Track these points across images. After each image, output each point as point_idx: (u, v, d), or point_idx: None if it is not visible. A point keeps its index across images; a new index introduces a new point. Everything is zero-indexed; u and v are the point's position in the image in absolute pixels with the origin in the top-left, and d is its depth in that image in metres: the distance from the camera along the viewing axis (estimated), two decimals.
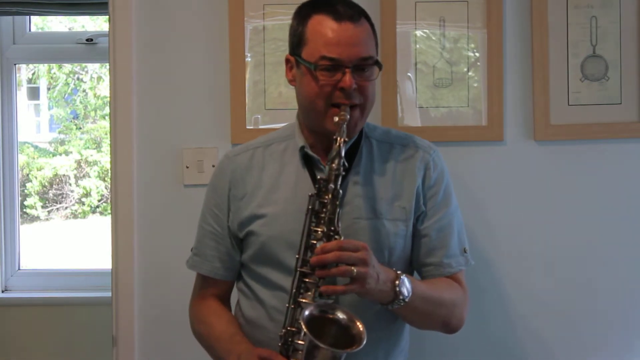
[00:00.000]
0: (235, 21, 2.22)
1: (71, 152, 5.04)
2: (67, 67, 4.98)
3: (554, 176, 2.24)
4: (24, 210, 4.82)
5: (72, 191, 5.02)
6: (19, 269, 3.23)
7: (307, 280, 1.57)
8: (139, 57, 2.26)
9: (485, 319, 2.22)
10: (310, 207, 1.60)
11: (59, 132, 5.20)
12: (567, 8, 2.22)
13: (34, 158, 5.07)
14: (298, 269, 1.58)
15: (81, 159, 5.01)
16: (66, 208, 5.05)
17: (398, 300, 1.59)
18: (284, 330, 1.58)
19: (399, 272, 1.61)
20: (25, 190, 4.88)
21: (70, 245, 4.79)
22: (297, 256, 1.59)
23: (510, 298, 2.25)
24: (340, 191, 1.59)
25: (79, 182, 5.02)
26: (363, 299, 1.60)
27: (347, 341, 1.52)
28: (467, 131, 2.23)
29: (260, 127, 2.23)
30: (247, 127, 2.23)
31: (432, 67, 2.23)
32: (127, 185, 2.27)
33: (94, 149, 4.99)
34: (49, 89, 5.19)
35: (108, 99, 2.42)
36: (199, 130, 2.26)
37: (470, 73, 2.23)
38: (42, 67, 4.94)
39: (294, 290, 1.58)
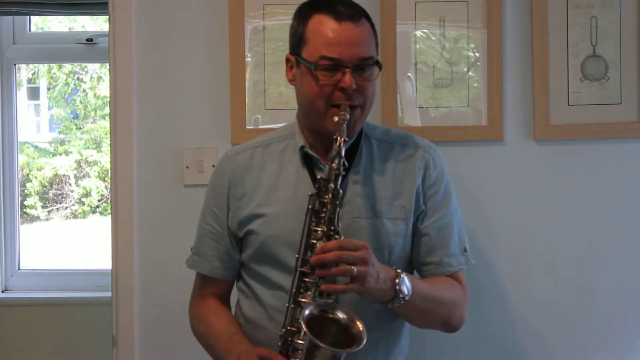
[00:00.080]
0: (235, 21, 2.22)
1: (71, 152, 5.04)
2: (67, 67, 4.98)
3: (554, 176, 2.24)
4: (24, 210, 4.82)
5: (72, 191, 5.02)
6: (19, 269, 3.23)
7: (307, 279, 1.57)
8: (139, 57, 2.26)
9: (485, 319, 2.22)
10: (310, 206, 1.60)
11: (59, 132, 5.20)
12: (567, 8, 2.22)
13: (34, 158, 5.07)
14: (298, 269, 1.58)
15: (81, 159, 5.01)
16: (66, 208, 5.05)
17: (398, 299, 1.59)
18: (284, 330, 1.58)
19: (399, 270, 1.61)
20: (25, 190, 4.88)
21: (70, 245, 4.79)
22: (297, 256, 1.59)
23: (510, 298, 2.25)
24: (341, 191, 1.59)
25: (79, 182, 5.02)
26: (363, 298, 1.61)
27: (347, 341, 1.52)
28: (467, 131, 2.23)
29: (260, 127, 2.23)
30: (247, 127, 2.23)
31: (432, 67, 2.23)
32: (127, 185, 2.27)
33: (94, 149, 4.99)
34: (49, 89, 5.19)
35: (108, 99, 2.42)
36: (199, 130, 2.26)
37: (470, 73, 2.23)
38: (42, 67, 4.94)
39: (293, 290, 1.58)
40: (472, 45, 2.23)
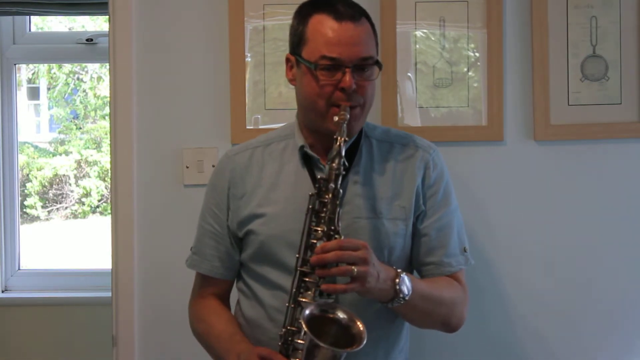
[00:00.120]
0: (235, 21, 2.22)
1: (71, 152, 5.04)
2: (67, 67, 4.98)
3: (554, 176, 2.24)
4: (24, 210, 4.82)
5: (72, 191, 5.02)
6: (19, 269, 3.23)
7: (307, 279, 1.57)
8: (139, 57, 2.26)
9: (485, 319, 2.22)
10: (310, 206, 1.60)
11: (59, 132, 5.20)
12: (567, 8, 2.22)
13: (34, 158, 5.07)
14: (298, 268, 1.58)
15: (81, 159, 5.01)
16: (66, 208, 5.05)
17: (398, 299, 1.59)
18: (284, 330, 1.58)
19: (399, 270, 1.61)
20: (25, 190, 4.88)
21: (70, 245, 4.79)
22: (297, 255, 1.59)
23: (510, 298, 2.25)
24: (341, 190, 1.59)
25: (79, 182, 5.02)
26: (363, 298, 1.61)
27: (347, 340, 1.52)
28: (467, 131, 2.23)
29: (260, 127, 2.23)
30: (247, 127, 2.23)
31: (432, 67, 2.23)
32: (127, 185, 2.27)
33: (94, 149, 4.99)
34: (49, 89, 5.19)
35: (108, 99, 2.42)
36: (199, 130, 2.26)
37: (470, 73, 2.23)
38: (42, 67, 4.94)
39: (294, 290, 1.58)
40: (472, 45, 2.23)
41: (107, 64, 2.39)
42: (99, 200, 4.97)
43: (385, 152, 1.78)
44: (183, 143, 2.26)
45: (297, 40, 1.70)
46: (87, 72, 5.04)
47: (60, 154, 5.08)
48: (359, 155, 1.76)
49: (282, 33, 2.18)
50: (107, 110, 4.58)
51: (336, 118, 1.62)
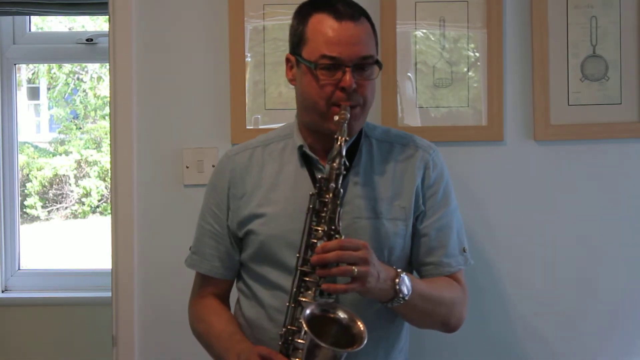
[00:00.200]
0: (235, 21, 2.22)
1: (71, 152, 5.04)
2: (67, 67, 4.99)
3: (554, 176, 2.24)
4: (24, 210, 4.82)
5: (72, 191, 5.02)
6: (19, 269, 3.23)
7: (307, 279, 1.57)
8: (139, 57, 2.26)
9: (485, 319, 2.22)
10: (311, 206, 1.60)
11: (59, 132, 5.20)
12: (567, 8, 2.22)
13: (34, 158, 5.08)
14: (299, 268, 1.58)
15: (81, 159, 5.01)
16: (66, 208, 5.05)
17: (398, 299, 1.59)
18: (284, 329, 1.58)
19: (399, 270, 1.61)
20: (25, 190, 4.89)
21: (70, 245, 4.79)
22: (297, 255, 1.59)
23: (510, 298, 2.25)
24: (342, 190, 1.59)
25: (79, 182, 5.02)
26: (363, 298, 1.61)
27: (347, 340, 1.52)
28: (467, 131, 2.23)
29: (260, 127, 2.23)
30: (247, 127, 2.23)
31: (432, 67, 2.23)
32: (127, 185, 2.27)
33: (94, 149, 4.99)
34: (49, 89, 5.19)
35: (108, 99, 2.42)
36: (199, 130, 2.26)
37: (470, 73, 2.23)
38: (42, 67, 4.95)
39: (294, 290, 1.58)
40: (472, 45, 2.23)
41: (107, 64, 2.39)
42: (99, 200, 4.97)
43: (385, 152, 1.78)
44: (183, 143, 2.26)
45: (297, 40, 1.70)
46: (87, 72, 5.04)
47: (60, 154, 5.08)
48: (359, 155, 1.76)
49: (282, 33, 2.18)
50: (107, 110, 4.59)
51: (336, 117, 1.62)
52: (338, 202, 1.57)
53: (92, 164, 4.99)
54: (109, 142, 2.39)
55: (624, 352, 2.26)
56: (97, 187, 4.96)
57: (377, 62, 1.69)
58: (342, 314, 1.55)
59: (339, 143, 1.58)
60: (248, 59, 2.23)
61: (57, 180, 5.00)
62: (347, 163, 1.60)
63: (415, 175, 1.76)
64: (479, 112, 2.23)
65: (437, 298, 1.70)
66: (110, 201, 2.39)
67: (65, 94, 5.10)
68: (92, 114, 5.07)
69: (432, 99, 2.24)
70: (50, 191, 5.01)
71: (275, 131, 1.86)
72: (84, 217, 5.02)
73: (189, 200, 2.22)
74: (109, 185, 2.38)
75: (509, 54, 2.23)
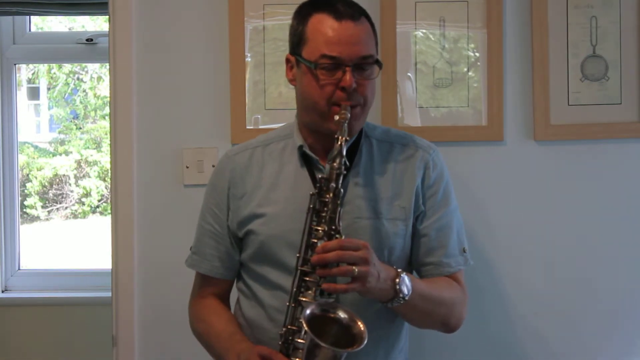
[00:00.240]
0: (235, 21, 2.22)
1: (71, 152, 5.04)
2: (67, 67, 4.99)
3: (554, 176, 2.24)
4: (24, 210, 4.82)
5: (72, 191, 5.02)
6: (19, 269, 3.23)
7: (307, 279, 1.57)
8: (139, 57, 2.26)
9: (485, 319, 2.22)
10: (311, 205, 1.60)
11: (59, 132, 5.20)
12: (567, 8, 2.22)
13: (34, 158, 5.08)
14: (299, 268, 1.58)
15: (81, 159, 5.01)
16: (66, 208, 5.05)
17: (398, 299, 1.59)
18: (284, 329, 1.58)
19: (399, 270, 1.61)
20: (25, 190, 4.89)
21: (70, 245, 4.79)
22: (297, 255, 1.59)
23: (510, 298, 2.25)
24: (342, 190, 1.59)
25: (79, 182, 5.02)
26: (364, 298, 1.61)
27: (348, 340, 1.52)
28: (467, 131, 2.23)
29: (260, 127, 2.23)
30: (247, 127, 2.23)
31: (432, 67, 2.23)
32: (127, 185, 2.27)
33: (94, 149, 4.99)
34: (49, 89, 5.19)
35: (108, 99, 2.42)
36: (199, 130, 2.26)
37: (470, 73, 2.23)
38: (42, 67, 4.95)
39: (294, 289, 1.58)
40: (472, 45, 2.23)
41: (107, 64, 2.39)
42: (99, 200, 4.97)
43: (385, 152, 1.78)
44: (183, 143, 2.26)
45: (297, 40, 1.70)
46: (87, 72, 5.04)
47: (60, 154, 5.08)
48: (359, 155, 1.76)
49: (282, 33, 2.18)
50: (107, 110, 4.59)
51: (337, 117, 1.62)
52: (338, 202, 1.57)
53: (92, 164, 4.99)
54: (109, 142, 2.39)
55: (624, 352, 2.26)
56: (97, 187, 4.96)
57: (377, 62, 1.69)
58: (342, 314, 1.55)
59: (339, 143, 1.58)
60: (248, 59, 2.23)
61: (57, 180, 5.00)
62: (347, 163, 1.60)
63: (415, 175, 1.76)
64: (479, 112, 2.23)
65: (437, 298, 1.70)
66: (110, 201, 2.39)
67: (65, 94, 5.10)
68: (92, 114, 5.07)
69: (432, 99, 2.24)
70: (50, 191, 5.01)
71: (276, 131, 1.86)
72: (84, 217, 5.02)
73: (189, 200, 2.22)
74: (109, 185, 2.38)
75: (509, 54, 2.23)
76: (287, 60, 1.75)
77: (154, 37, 2.26)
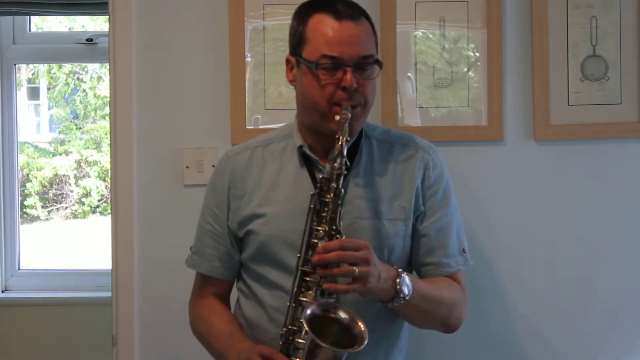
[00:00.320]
0: (235, 21, 2.22)
1: (71, 152, 5.04)
2: (67, 67, 4.99)
3: (554, 176, 2.24)
4: (24, 210, 4.83)
5: (72, 191, 5.02)
6: (19, 269, 3.23)
7: (308, 279, 1.57)
8: (139, 57, 2.26)
9: (485, 319, 2.22)
10: (312, 205, 1.60)
11: (59, 132, 5.20)
12: (567, 8, 2.22)
13: (34, 158, 5.08)
14: (299, 268, 1.58)
15: (81, 159, 5.01)
16: (66, 208, 5.05)
17: (398, 298, 1.59)
18: (285, 329, 1.58)
19: (399, 270, 1.61)
20: (25, 190, 4.89)
21: (70, 245, 4.79)
22: (298, 255, 1.59)
23: (510, 298, 2.25)
24: (342, 190, 1.59)
25: (79, 182, 5.02)
26: (364, 298, 1.61)
27: (348, 340, 1.52)
28: (467, 131, 2.23)
29: (260, 127, 2.23)
30: (247, 127, 2.23)
31: (432, 67, 2.23)
32: (127, 185, 2.27)
33: (94, 149, 4.99)
34: (49, 89, 5.19)
35: (108, 99, 2.42)
36: (199, 130, 2.26)
37: (470, 73, 2.24)
38: (42, 67, 4.95)
39: (295, 289, 1.58)
40: (472, 45, 2.24)
41: (107, 64, 2.39)
42: (99, 200, 4.97)
43: (385, 152, 1.78)
44: (183, 143, 2.26)
45: (297, 41, 1.70)
46: (87, 72, 5.04)
47: (60, 154, 5.08)
48: (359, 155, 1.76)
49: (282, 33, 2.18)
50: (107, 110, 4.59)
51: (337, 117, 1.62)
52: (339, 202, 1.57)
53: (92, 164, 4.99)
54: (109, 142, 2.39)
55: (624, 352, 2.26)
56: (97, 187, 4.96)
57: (378, 62, 1.69)
58: (342, 314, 1.55)
59: (340, 143, 1.58)
60: (248, 59, 2.23)
61: (57, 180, 5.00)
62: (348, 163, 1.61)
63: (415, 175, 1.76)
64: (479, 112, 2.23)
65: (437, 298, 1.70)
66: (110, 201, 2.39)
67: (65, 94, 5.10)
68: (92, 114, 5.07)
69: (432, 99, 2.24)
70: (50, 191, 5.01)
71: (276, 131, 1.86)
72: (84, 217, 5.02)
73: (189, 200, 2.22)
74: (109, 185, 2.38)
75: (509, 54, 2.23)
76: (287, 61, 1.75)
77: (154, 37, 2.26)
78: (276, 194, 1.75)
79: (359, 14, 1.68)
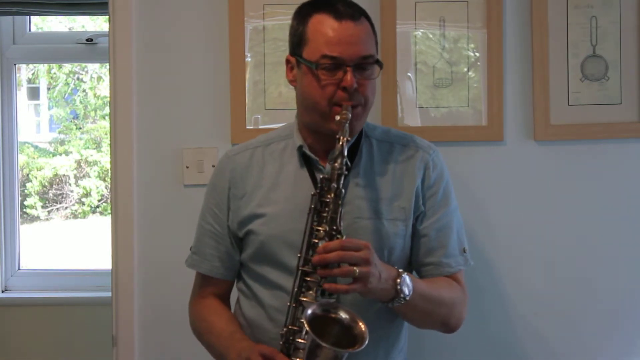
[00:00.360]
0: (235, 21, 2.22)
1: (71, 152, 5.04)
2: (67, 67, 4.99)
3: (554, 176, 2.24)
4: (24, 210, 4.83)
5: (72, 191, 5.02)
6: (19, 269, 3.23)
7: (308, 279, 1.57)
8: (139, 57, 2.26)
9: (484, 319, 2.22)
10: (312, 206, 1.60)
11: (59, 132, 5.20)
12: (567, 8, 2.22)
13: (34, 158, 5.08)
14: (300, 268, 1.58)
15: (81, 159, 5.01)
16: (66, 208, 5.05)
17: (399, 299, 1.59)
18: (285, 329, 1.58)
19: (400, 270, 1.61)
20: (25, 190, 4.89)
21: (70, 245, 4.79)
22: (299, 255, 1.59)
23: (510, 298, 2.25)
24: (343, 190, 1.59)
25: (79, 182, 5.02)
26: (364, 298, 1.61)
27: (349, 341, 1.52)
28: (467, 131, 2.23)
29: (260, 127, 2.23)
30: (247, 127, 2.23)
31: (432, 67, 2.23)
32: (127, 185, 2.27)
33: (94, 149, 4.99)
34: (49, 89, 5.19)
35: (108, 99, 2.42)
36: (199, 130, 2.26)
37: (470, 73, 2.24)
38: (42, 67, 4.95)
39: (295, 289, 1.58)
40: (472, 45, 2.24)
41: (107, 64, 2.39)
42: (99, 200, 4.97)
43: (385, 152, 1.79)
44: (183, 143, 2.26)
45: (297, 41, 1.70)
46: (87, 72, 5.04)
47: (60, 154, 5.08)
48: (359, 156, 1.76)
49: (282, 33, 2.18)
50: (107, 110, 4.59)
51: (338, 117, 1.62)
52: (340, 202, 1.57)
53: (92, 164, 4.99)
54: (109, 142, 2.39)
55: (624, 352, 2.26)
56: (97, 187, 4.96)
57: (378, 62, 1.69)
58: (343, 314, 1.55)
59: (340, 143, 1.58)
60: (248, 59, 2.23)
61: (57, 180, 5.00)
62: (349, 163, 1.61)
63: (415, 175, 1.76)
64: (479, 112, 2.23)
65: (437, 298, 1.70)
66: (110, 201, 2.39)
67: (65, 94, 5.10)
68: (92, 114, 5.07)
69: (432, 99, 2.24)
70: (50, 191, 5.01)
71: (276, 131, 1.86)
72: (84, 217, 5.02)
73: (189, 200, 2.22)
74: (109, 185, 2.38)
75: (509, 54, 2.23)
76: (287, 61, 1.75)
77: (154, 37, 2.26)
78: (276, 194, 1.75)
79: (359, 14, 1.68)
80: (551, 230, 2.24)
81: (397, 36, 2.21)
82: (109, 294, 2.31)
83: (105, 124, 4.81)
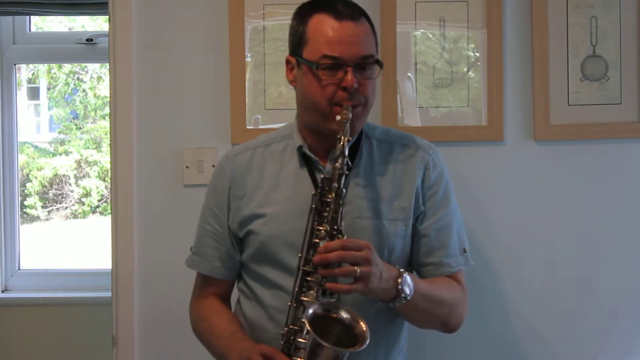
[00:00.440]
0: (235, 21, 2.22)
1: (71, 152, 5.04)
2: (67, 67, 4.99)
3: (554, 176, 2.24)
4: (24, 210, 4.83)
5: (72, 191, 5.02)
6: (19, 269, 3.23)
7: (309, 278, 1.57)
8: (139, 57, 2.26)
9: (485, 319, 2.22)
10: (313, 206, 1.60)
11: (59, 132, 5.20)
12: (567, 8, 2.22)
13: (34, 158, 5.08)
14: (301, 268, 1.58)
15: (81, 159, 5.01)
16: (66, 208, 5.05)
17: (400, 298, 1.59)
18: (286, 329, 1.58)
19: (401, 270, 1.61)
20: (25, 190, 4.89)
21: (70, 245, 4.79)
22: (299, 255, 1.59)
23: (510, 298, 2.25)
24: (344, 190, 1.59)
25: (79, 182, 5.02)
26: (365, 299, 1.61)
27: (350, 340, 1.52)
28: (467, 131, 2.23)
29: (260, 127, 2.23)
30: (247, 127, 2.23)
31: (432, 67, 2.24)
32: (127, 185, 2.27)
33: (94, 149, 4.99)
34: (49, 89, 5.20)
35: (108, 99, 2.42)
36: (199, 130, 2.26)
37: (470, 73, 2.24)
38: (42, 67, 4.95)
39: (296, 289, 1.58)
40: (472, 45, 2.24)
41: (107, 64, 2.39)
42: (99, 200, 4.97)
43: (386, 152, 1.79)
44: (183, 143, 2.26)
45: (298, 41, 1.70)
46: (87, 72, 5.04)
47: (60, 154, 5.08)
48: (359, 156, 1.76)
49: (282, 33, 2.18)
50: (107, 110, 4.59)
51: (338, 117, 1.62)
52: (341, 202, 1.57)
53: (92, 164, 5.00)
54: (109, 142, 2.39)
55: (624, 352, 2.26)
56: (97, 187, 4.96)
57: (378, 62, 1.69)
58: (344, 314, 1.55)
59: (341, 143, 1.58)
60: (248, 59, 2.23)
61: (57, 180, 5.00)
62: (349, 163, 1.61)
63: (415, 175, 1.76)
64: (479, 112, 2.23)
65: (438, 298, 1.70)
66: (110, 201, 2.39)
67: (65, 94, 5.10)
68: (92, 114, 5.07)
69: (432, 99, 2.24)
70: (50, 191, 5.01)
71: (277, 131, 1.86)
72: (84, 217, 5.03)
73: (189, 200, 2.22)
74: (109, 185, 2.38)
75: (509, 54, 2.23)
76: (287, 62, 1.75)
77: (154, 37, 2.26)
78: (276, 194, 1.75)
79: (359, 14, 1.68)
80: (551, 230, 2.24)
81: (397, 36, 2.21)
82: (109, 294, 2.32)
83: (105, 124, 4.81)
